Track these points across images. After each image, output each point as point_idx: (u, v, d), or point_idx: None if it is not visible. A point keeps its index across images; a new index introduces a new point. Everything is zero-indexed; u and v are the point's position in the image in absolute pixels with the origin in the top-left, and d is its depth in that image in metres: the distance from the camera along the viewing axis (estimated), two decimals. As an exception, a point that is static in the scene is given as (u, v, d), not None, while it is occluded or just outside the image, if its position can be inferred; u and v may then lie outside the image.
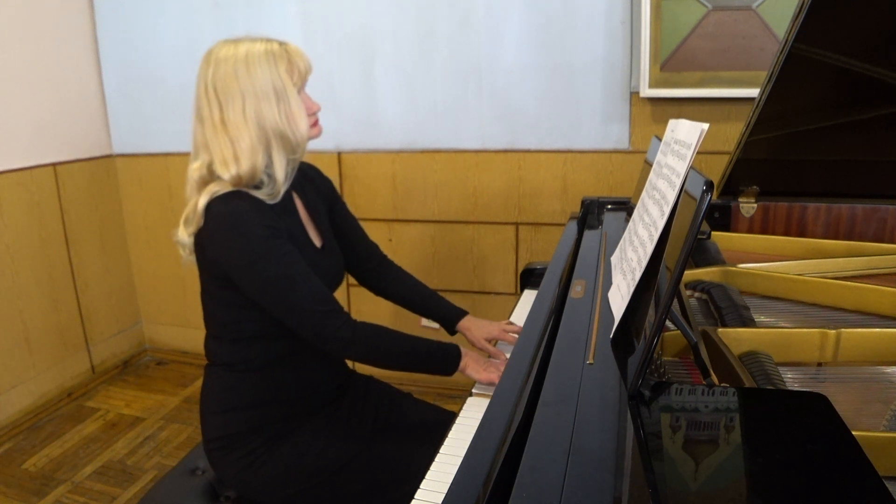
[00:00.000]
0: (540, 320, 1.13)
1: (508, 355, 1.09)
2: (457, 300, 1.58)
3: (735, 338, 0.98)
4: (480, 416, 0.86)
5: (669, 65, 2.07)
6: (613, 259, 1.15)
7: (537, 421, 0.76)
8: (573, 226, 1.67)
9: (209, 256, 1.22)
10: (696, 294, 1.25)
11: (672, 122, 1.02)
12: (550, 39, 2.24)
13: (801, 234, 1.59)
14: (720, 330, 0.99)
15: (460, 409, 1.17)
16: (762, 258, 1.47)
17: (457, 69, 2.36)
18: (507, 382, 0.93)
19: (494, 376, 1.23)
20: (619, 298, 0.95)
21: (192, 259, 1.28)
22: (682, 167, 0.82)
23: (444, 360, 1.28)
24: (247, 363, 1.29)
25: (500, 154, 2.41)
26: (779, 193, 1.61)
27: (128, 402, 2.73)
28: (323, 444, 1.29)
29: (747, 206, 1.63)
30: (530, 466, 0.67)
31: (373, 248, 1.55)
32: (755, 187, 1.61)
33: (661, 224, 0.83)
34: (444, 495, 0.70)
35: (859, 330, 0.98)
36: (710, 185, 0.70)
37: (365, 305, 2.69)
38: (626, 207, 1.71)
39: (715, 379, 0.87)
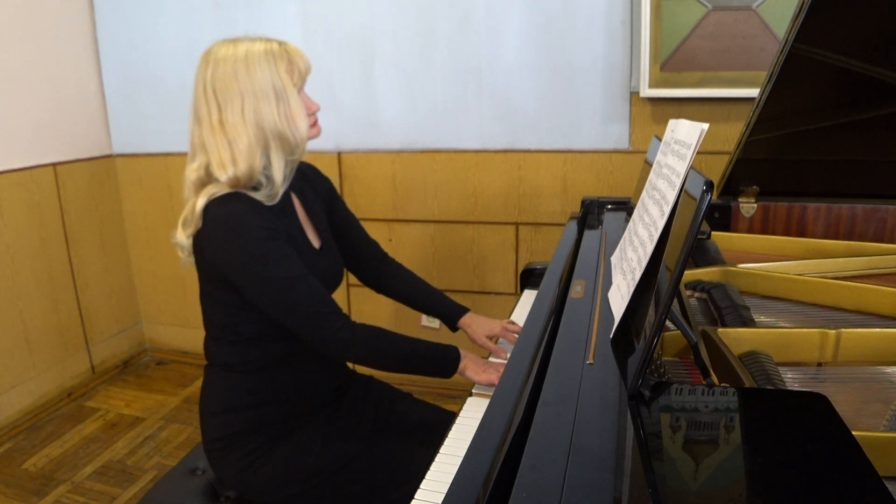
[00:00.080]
0: (540, 320, 1.13)
1: (508, 354, 1.09)
2: (457, 300, 1.57)
3: (735, 338, 0.98)
4: (480, 416, 0.86)
5: (669, 65, 2.07)
6: (613, 259, 1.15)
7: (537, 421, 0.76)
8: (573, 226, 1.67)
9: (208, 258, 1.22)
10: (696, 294, 1.25)
11: (672, 122, 1.02)
12: (550, 39, 2.24)
13: (801, 234, 1.59)
14: (720, 330, 0.99)
15: (460, 409, 1.17)
16: (762, 258, 1.47)
17: (457, 69, 2.36)
18: (507, 382, 0.93)
19: (494, 378, 1.22)
20: (619, 298, 0.95)
21: (191, 261, 1.27)
22: (682, 167, 0.82)
23: (443, 362, 1.28)
24: (246, 364, 1.29)
25: (500, 154, 2.40)
26: (779, 193, 1.61)
27: (128, 402, 2.73)
28: (323, 445, 1.29)
29: (747, 206, 1.63)
30: (530, 466, 0.67)
31: (373, 245, 1.55)
32: (755, 187, 1.61)
33: (661, 224, 0.83)
34: (444, 495, 0.70)
35: (859, 330, 0.98)
36: (710, 185, 0.70)
37: (365, 306, 2.69)
38: (626, 207, 1.71)
39: (715, 379, 0.87)
